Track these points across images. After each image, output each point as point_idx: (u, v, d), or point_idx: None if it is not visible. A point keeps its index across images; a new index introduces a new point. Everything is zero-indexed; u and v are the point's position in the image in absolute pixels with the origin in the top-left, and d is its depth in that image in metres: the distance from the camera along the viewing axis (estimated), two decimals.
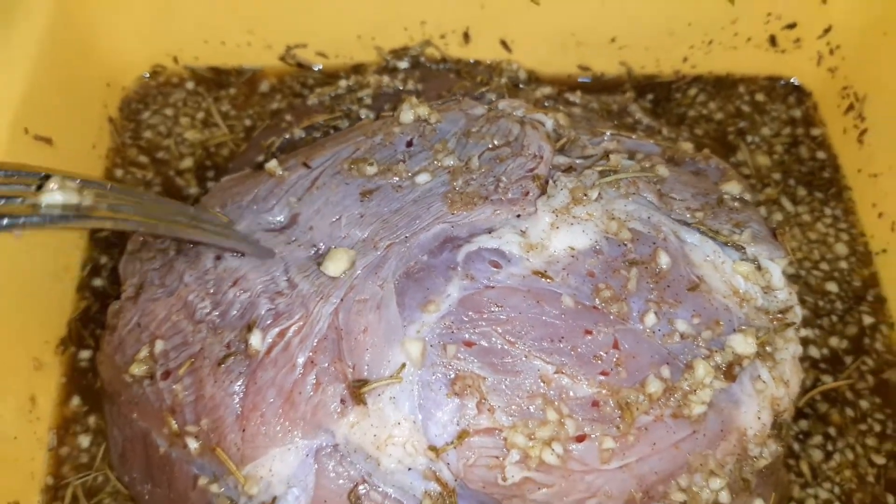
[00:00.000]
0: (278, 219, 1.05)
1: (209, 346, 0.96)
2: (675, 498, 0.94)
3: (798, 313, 1.04)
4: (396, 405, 0.90)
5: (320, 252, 1.00)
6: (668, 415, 0.92)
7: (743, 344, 0.96)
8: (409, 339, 0.92)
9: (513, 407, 0.91)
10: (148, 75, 1.41)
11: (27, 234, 1.06)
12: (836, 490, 1.12)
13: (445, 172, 1.05)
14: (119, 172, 1.32)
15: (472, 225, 1.00)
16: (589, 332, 0.94)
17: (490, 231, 1.00)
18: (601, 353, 0.94)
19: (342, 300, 0.94)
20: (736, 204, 1.10)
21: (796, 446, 1.14)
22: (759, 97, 1.45)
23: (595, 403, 0.92)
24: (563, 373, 0.92)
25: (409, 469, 0.91)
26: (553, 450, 0.89)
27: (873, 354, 1.22)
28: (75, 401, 1.14)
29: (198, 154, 1.35)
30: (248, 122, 1.40)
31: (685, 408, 0.92)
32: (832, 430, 1.16)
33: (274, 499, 0.92)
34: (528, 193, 1.01)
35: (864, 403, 1.18)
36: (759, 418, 0.98)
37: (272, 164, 1.11)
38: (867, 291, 1.27)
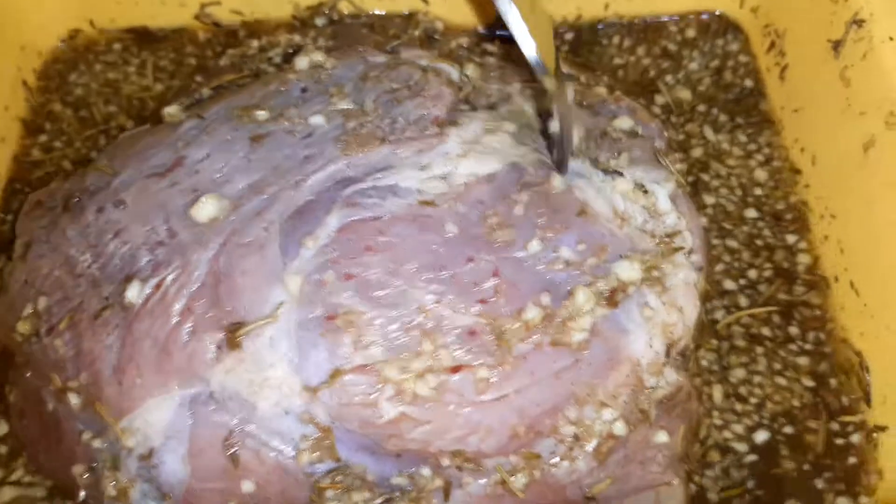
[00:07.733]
0: (162, 162, 1.02)
1: (88, 299, 0.94)
2: (566, 431, 0.91)
3: (688, 239, 1.02)
4: (273, 346, 0.88)
5: (199, 199, 0.97)
6: (547, 343, 0.90)
7: (628, 270, 0.95)
8: (288, 274, 0.90)
9: (388, 341, 0.88)
10: (63, 41, 1.39)
11: None
12: (756, 418, 1.08)
13: (340, 116, 1.03)
14: (43, 137, 1.31)
15: (370, 164, 0.98)
16: (471, 260, 0.92)
17: (387, 168, 0.98)
18: (481, 281, 0.91)
19: (223, 245, 0.92)
20: (621, 136, 1.09)
21: (716, 367, 1.10)
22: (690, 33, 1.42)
23: (472, 333, 0.89)
24: (441, 303, 0.89)
25: (286, 413, 0.88)
26: (427, 382, 0.87)
27: (796, 278, 1.18)
28: None
29: (124, 107, 1.34)
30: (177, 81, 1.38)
31: (564, 335, 0.90)
32: (758, 350, 1.12)
33: (151, 450, 0.90)
34: (425, 130, 0.99)
35: (792, 329, 1.14)
36: (650, 346, 0.95)
37: (171, 109, 1.10)
38: (788, 216, 1.23)
